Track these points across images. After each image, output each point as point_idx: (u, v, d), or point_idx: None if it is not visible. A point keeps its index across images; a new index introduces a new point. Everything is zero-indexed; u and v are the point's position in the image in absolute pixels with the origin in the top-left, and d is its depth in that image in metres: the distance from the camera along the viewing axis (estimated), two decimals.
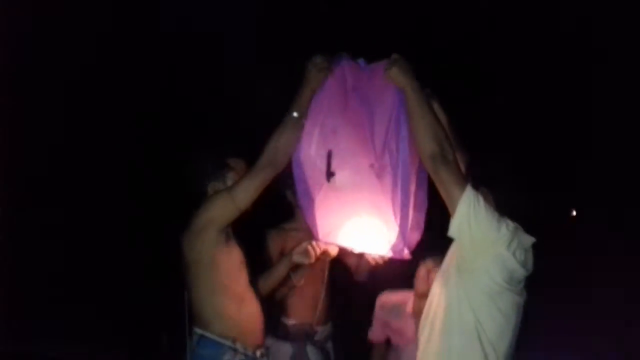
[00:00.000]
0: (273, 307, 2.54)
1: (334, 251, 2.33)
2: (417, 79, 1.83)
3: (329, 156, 1.95)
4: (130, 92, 5.22)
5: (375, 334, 2.66)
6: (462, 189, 1.71)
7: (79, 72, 4.93)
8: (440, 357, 1.82)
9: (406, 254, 1.93)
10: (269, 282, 2.36)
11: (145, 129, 5.42)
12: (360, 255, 2.40)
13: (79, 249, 5.06)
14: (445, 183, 1.75)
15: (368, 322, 2.69)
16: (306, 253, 2.28)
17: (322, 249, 2.29)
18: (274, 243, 2.66)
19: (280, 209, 2.69)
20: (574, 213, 7.21)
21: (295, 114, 1.94)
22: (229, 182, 2.06)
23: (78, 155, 5.28)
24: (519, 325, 1.84)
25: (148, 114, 5.38)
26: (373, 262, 2.16)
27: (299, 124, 1.96)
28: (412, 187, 1.92)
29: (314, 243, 2.25)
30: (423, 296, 2.12)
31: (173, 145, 4.76)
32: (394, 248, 1.92)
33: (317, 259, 2.30)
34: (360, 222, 1.99)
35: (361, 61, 2.00)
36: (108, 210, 5.34)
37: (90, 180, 5.33)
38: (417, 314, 2.31)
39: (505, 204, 1.82)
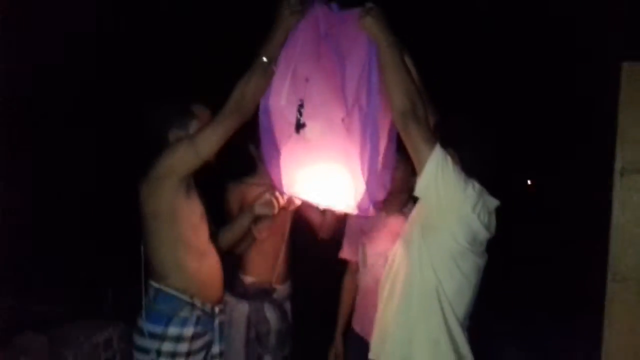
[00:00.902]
0: (231, 264, 2.48)
1: (297, 201, 2.27)
2: (392, 31, 1.77)
3: (301, 106, 1.88)
4: (95, 37, 4.98)
5: (346, 251, 2.58)
6: (431, 147, 1.69)
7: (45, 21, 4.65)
8: (399, 315, 1.82)
9: (371, 211, 1.90)
10: (230, 235, 2.29)
11: (108, 73, 5.19)
12: (324, 212, 2.38)
13: (23, 199, 4.84)
14: (414, 141, 1.72)
15: (329, 283, 2.66)
16: (269, 204, 2.23)
17: (285, 200, 2.23)
18: (234, 197, 2.57)
19: (242, 163, 2.61)
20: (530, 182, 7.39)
21: (264, 59, 1.85)
22: (192, 130, 1.96)
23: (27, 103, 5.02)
24: (478, 287, 1.87)
25: (111, 60, 5.15)
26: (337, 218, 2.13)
27: (269, 69, 1.87)
28: (382, 144, 1.89)
29: (277, 194, 2.19)
30: (389, 193, 2.10)
31: (135, 88, 4.58)
32: (360, 205, 1.89)
33: (282, 209, 2.24)
34: (327, 177, 1.95)
35: (334, 5, 1.89)
36: (57, 158, 5.12)
37: (45, 128, 5.09)
38: (388, 208, 2.29)
39: (471, 166, 1.81)
